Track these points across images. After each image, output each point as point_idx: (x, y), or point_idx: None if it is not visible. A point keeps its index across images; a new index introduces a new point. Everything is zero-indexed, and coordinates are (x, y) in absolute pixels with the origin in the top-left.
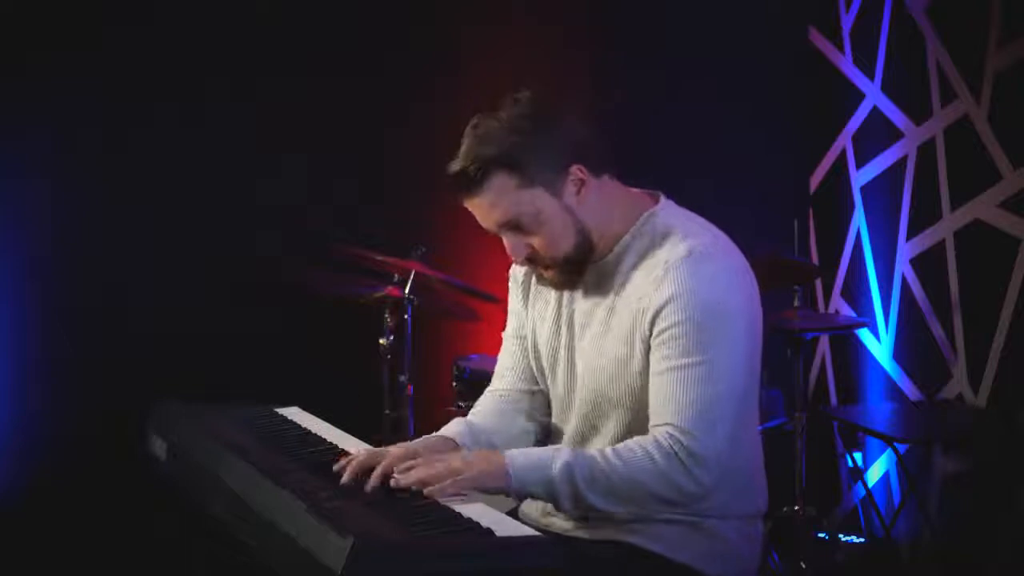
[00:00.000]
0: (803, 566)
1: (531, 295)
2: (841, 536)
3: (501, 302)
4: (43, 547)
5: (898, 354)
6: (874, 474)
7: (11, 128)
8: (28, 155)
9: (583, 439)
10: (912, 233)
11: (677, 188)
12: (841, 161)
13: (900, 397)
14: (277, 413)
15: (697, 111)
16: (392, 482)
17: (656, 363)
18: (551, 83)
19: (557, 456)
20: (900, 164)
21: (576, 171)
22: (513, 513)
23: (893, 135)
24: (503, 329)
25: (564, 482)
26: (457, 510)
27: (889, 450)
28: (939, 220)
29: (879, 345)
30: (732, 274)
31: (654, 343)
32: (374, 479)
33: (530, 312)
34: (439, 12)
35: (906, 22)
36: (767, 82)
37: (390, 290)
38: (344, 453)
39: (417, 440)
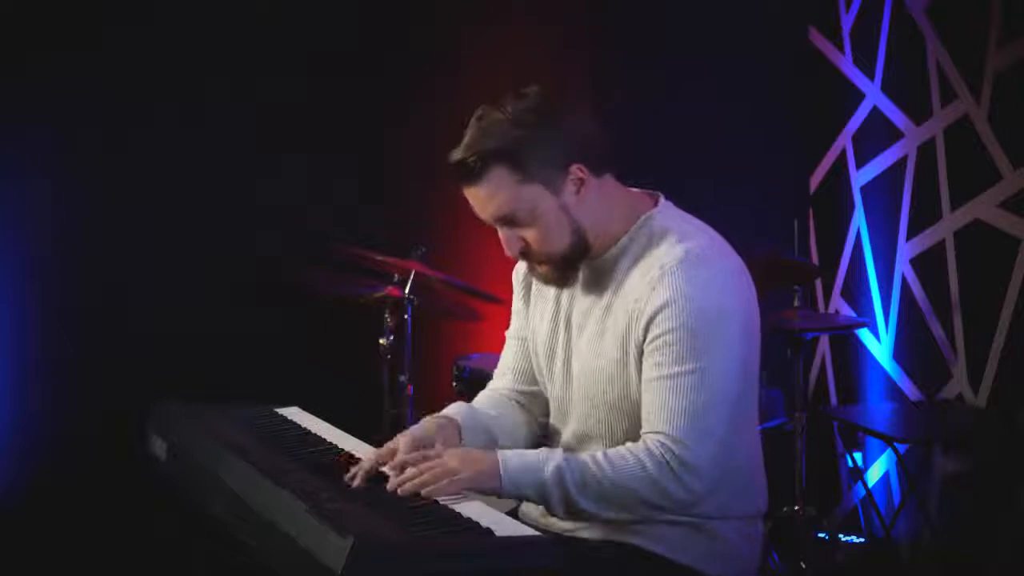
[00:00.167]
0: (803, 566)
1: (532, 295)
2: (841, 536)
3: (501, 302)
4: (43, 547)
5: (898, 354)
6: (874, 474)
7: (11, 128)
8: (28, 155)
9: (581, 441)
10: (912, 233)
11: (677, 188)
12: (841, 161)
13: (900, 397)
14: (277, 413)
15: (697, 111)
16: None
17: (649, 369)
18: (553, 82)
19: (549, 459)
20: (900, 164)
21: (576, 170)
22: (513, 513)
23: (893, 135)
24: (505, 328)
25: (555, 485)
26: (457, 510)
27: (889, 450)
28: (939, 220)
29: (879, 345)
30: (728, 276)
31: (647, 348)
32: (392, 476)
33: (531, 312)
34: (439, 12)
35: (906, 22)
36: (767, 82)
37: (390, 290)
38: (344, 453)
39: (419, 425)
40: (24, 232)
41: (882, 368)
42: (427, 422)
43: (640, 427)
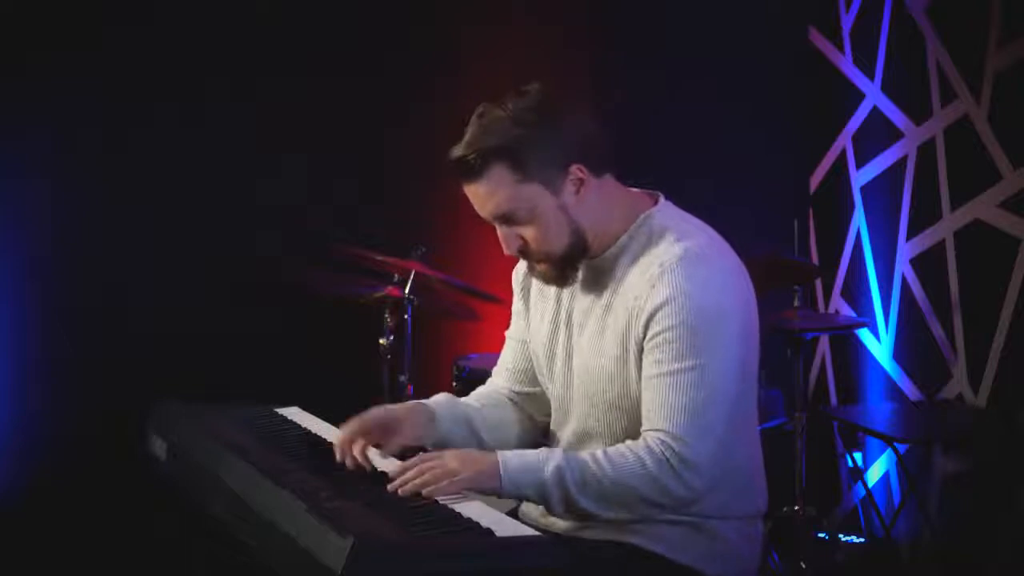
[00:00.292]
0: (803, 566)
1: (532, 296)
2: (841, 536)
3: (501, 302)
4: (43, 547)
5: (898, 354)
6: (874, 474)
7: (11, 128)
8: (28, 155)
9: (581, 440)
10: (912, 233)
11: (677, 188)
12: (841, 161)
13: (900, 397)
14: (277, 413)
15: (697, 111)
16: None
17: (649, 367)
18: (554, 82)
19: (549, 459)
20: (900, 164)
21: (576, 170)
22: (513, 513)
23: (893, 135)
24: (505, 328)
25: (555, 485)
26: (457, 510)
27: (889, 450)
28: (939, 220)
29: (879, 345)
30: (727, 275)
31: (647, 346)
32: (357, 454)
33: (531, 313)
34: (439, 12)
35: (906, 22)
36: (767, 82)
37: (390, 290)
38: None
39: (384, 407)
40: (24, 232)
41: (882, 368)
42: (398, 405)
43: (640, 425)
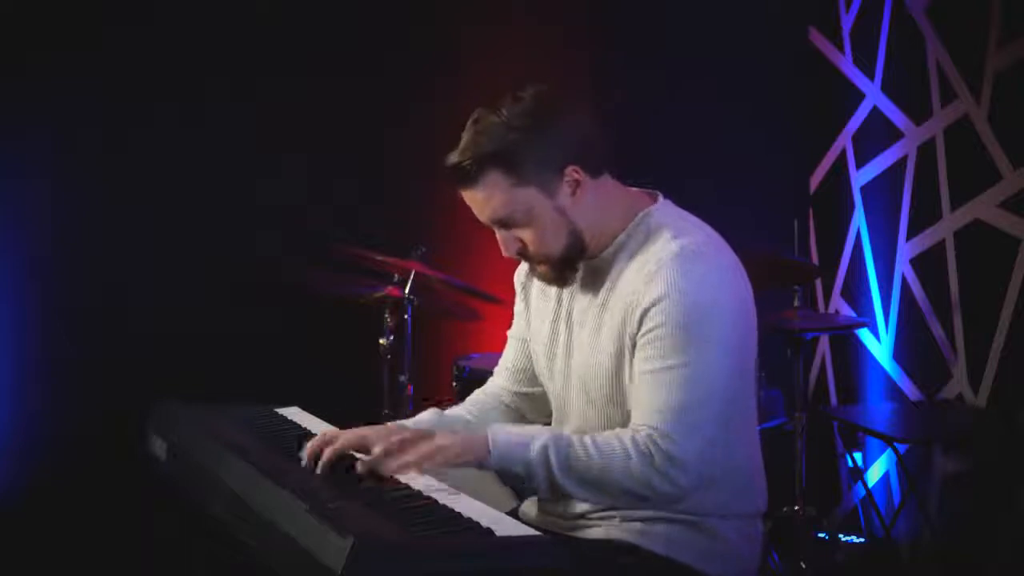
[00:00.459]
0: (803, 566)
1: (533, 296)
2: (841, 536)
3: (501, 302)
4: (43, 547)
5: (898, 354)
6: (874, 474)
7: (11, 128)
8: (28, 155)
9: None
10: (912, 233)
11: (677, 188)
12: (841, 161)
13: (900, 397)
14: (277, 413)
15: (697, 111)
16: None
17: (641, 363)
18: (552, 83)
19: (537, 438)
20: (900, 164)
21: (572, 172)
22: (513, 513)
23: (893, 135)
24: (505, 328)
25: (540, 465)
26: (457, 510)
27: (889, 450)
28: (939, 220)
29: (879, 345)
30: (723, 273)
31: (640, 342)
32: (325, 460)
33: (531, 313)
34: (439, 12)
35: (906, 22)
36: (767, 82)
37: (390, 290)
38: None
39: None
40: (24, 232)
41: (882, 368)
42: (370, 429)
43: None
